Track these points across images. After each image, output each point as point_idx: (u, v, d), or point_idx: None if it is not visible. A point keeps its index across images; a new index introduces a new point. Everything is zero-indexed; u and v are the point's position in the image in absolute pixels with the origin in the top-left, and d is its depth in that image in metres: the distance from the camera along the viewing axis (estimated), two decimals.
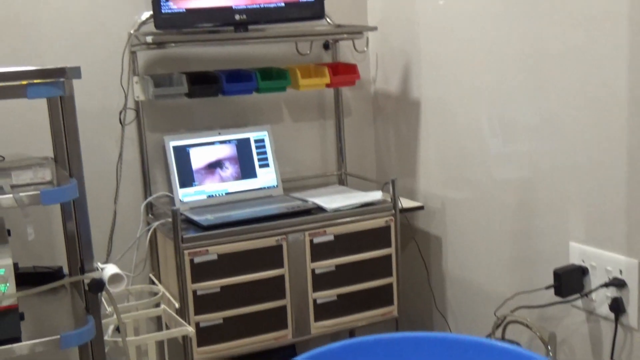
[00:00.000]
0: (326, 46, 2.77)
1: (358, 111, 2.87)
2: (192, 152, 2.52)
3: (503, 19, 2.18)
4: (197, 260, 2.24)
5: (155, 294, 2.46)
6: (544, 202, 2.12)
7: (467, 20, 2.34)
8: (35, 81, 1.52)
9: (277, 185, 2.63)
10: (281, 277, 2.35)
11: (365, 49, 2.82)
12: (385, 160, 2.87)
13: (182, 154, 2.50)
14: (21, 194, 1.53)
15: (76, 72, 1.55)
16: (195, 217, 2.34)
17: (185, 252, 2.21)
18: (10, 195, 1.52)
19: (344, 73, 2.60)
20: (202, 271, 2.24)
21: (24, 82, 1.51)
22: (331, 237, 2.40)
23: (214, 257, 2.26)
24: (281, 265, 2.34)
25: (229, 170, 2.57)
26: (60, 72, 1.54)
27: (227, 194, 2.56)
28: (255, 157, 2.62)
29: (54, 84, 1.55)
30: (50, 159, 1.98)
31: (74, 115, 1.64)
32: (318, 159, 2.82)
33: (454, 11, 2.41)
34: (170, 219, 2.24)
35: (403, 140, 2.75)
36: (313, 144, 2.81)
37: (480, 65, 2.32)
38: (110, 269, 1.72)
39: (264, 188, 2.61)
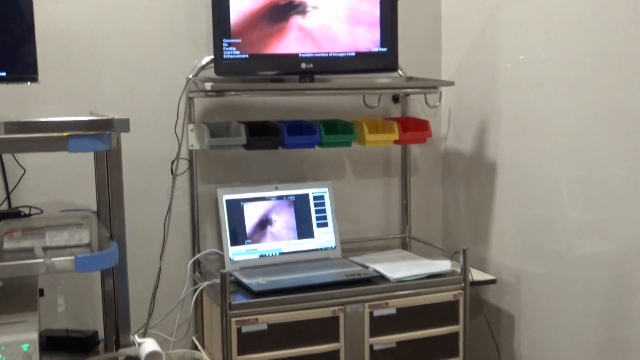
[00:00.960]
0: (396, 99, 2.56)
1: (426, 170, 2.65)
2: (246, 207, 2.32)
3: (590, 74, 1.94)
4: (245, 329, 2.02)
5: None
6: (638, 279, 1.85)
7: (550, 77, 2.11)
8: (78, 133, 1.35)
9: (335, 247, 2.41)
10: (336, 353, 2.11)
11: (438, 103, 2.60)
12: (454, 225, 2.63)
13: (235, 208, 2.31)
14: (53, 260, 1.34)
15: (124, 124, 1.37)
16: (246, 280, 2.13)
17: (233, 319, 2.00)
18: (42, 261, 1.34)
19: (414, 130, 2.39)
20: (249, 341, 2.02)
21: (66, 134, 1.34)
22: (393, 310, 2.16)
23: (264, 326, 2.04)
24: (336, 339, 2.10)
25: (285, 228, 2.36)
26: (106, 125, 1.36)
27: (281, 254, 2.35)
28: (314, 215, 2.40)
29: (99, 137, 1.37)
30: (92, 213, 1.80)
31: (119, 172, 1.46)
32: (381, 220, 2.60)
33: (536, 67, 2.18)
34: (218, 281, 2.03)
35: (475, 204, 2.50)
36: (376, 203, 2.59)
37: (564, 125, 2.08)
38: (148, 345, 1.52)
39: (321, 249, 2.39)
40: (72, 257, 1.36)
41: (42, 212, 1.87)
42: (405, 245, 2.60)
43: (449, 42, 2.58)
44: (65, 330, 1.84)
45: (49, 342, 1.79)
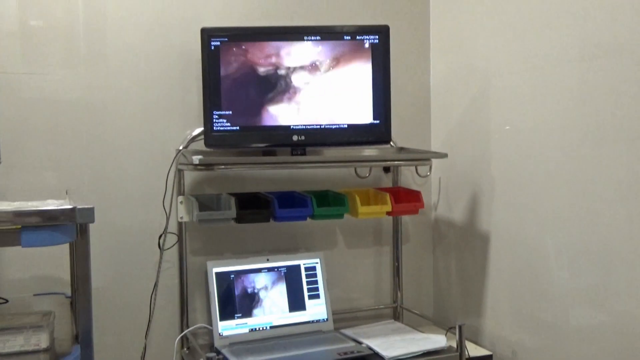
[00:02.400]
0: (387, 169, 2.22)
1: (416, 238, 2.29)
2: (237, 279, 1.95)
3: (580, 144, 1.62)
4: None
5: None
6: (636, 350, 1.49)
7: (540, 147, 1.78)
8: (33, 224, 1.00)
9: (327, 319, 2.03)
10: None
11: (429, 173, 2.26)
12: (445, 294, 2.27)
13: (225, 281, 1.94)
14: None
15: (88, 214, 1.02)
16: None
17: None
18: None
19: (406, 201, 2.04)
20: None
21: (16, 227, 0.99)
22: None
23: None
24: None
25: (276, 300, 1.99)
26: (67, 215, 1.01)
27: (271, 327, 1.97)
28: (305, 287, 2.03)
29: (59, 229, 1.01)
30: (66, 299, 1.42)
31: (86, 265, 1.10)
32: (372, 289, 2.23)
33: (525, 137, 1.86)
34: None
35: (467, 273, 2.15)
36: (367, 272, 2.22)
37: (557, 194, 1.74)
38: None
39: (313, 322, 2.02)
40: None
41: (6, 301, 1.50)
42: (397, 315, 2.23)
43: (438, 113, 2.25)
44: None
45: None
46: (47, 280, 1.78)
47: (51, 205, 1.14)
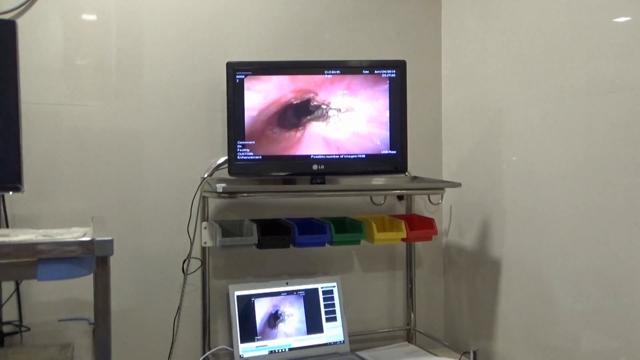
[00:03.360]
0: (400, 197, 2.07)
1: (427, 264, 2.13)
2: (257, 302, 1.79)
3: (588, 174, 1.46)
4: None
5: None
6: None
7: (550, 176, 1.62)
8: (50, 257, 0.85)
9: (344, 341, 1.86)
10: None
11: (440, 201, 2.10)
12: (456, 318, 2.09)
13: (246, 304, 1.78)
14: None
15: (106, 247, 0.87)
16: None
17: None
18: None
19: (420, 228, 1.88)
20: None
21: (33, 260, 0.85)
22: None
23: None
24: None
25: (295, 323, 1.82)
26: (85, 247, 0.86)
27: (290, 349, 1.80)
28: (323, 310, 1.87)
29: (77, 262, 0.87)
30: (90, 325, 1.27)
31: (106, 300, 0.94)
32: (385, 311, 2.06)
33: (535, 167, 1.70)
34: None
35: (478, 298, 1.97)
36: (381, 295, 2.06)
37: (570, 223, 1.58)
38: None
39: (330, 344, 1.85)
40: None
41: (28, 329, 1.34)
42: (410, 337, 2.06)
43: (449, 144, 2.10)
44: None
45: None
46: (73, 303, 1.63)
47: (74, 232, 1.00)
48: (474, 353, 1.65)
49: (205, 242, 1.78)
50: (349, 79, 1.73)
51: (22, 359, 0.94)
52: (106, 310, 0.94)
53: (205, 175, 1.80)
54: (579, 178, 1.56)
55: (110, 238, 0.87)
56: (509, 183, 1.81)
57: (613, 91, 1.46)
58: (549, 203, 1.66)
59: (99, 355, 0.94)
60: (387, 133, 1.73)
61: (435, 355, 1.82)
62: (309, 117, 1.71)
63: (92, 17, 1.69)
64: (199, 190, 1.77)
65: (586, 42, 1.54)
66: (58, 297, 1.61)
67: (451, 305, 2.10)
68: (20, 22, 1.62)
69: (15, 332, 1.22)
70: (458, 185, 1.75)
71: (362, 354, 1.83)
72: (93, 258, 0.87)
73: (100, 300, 0.93)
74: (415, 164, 2.07)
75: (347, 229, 1.86)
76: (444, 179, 2.10)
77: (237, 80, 1.69)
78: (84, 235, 0.98)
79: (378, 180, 1.92)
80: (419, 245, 2.09)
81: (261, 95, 1.70)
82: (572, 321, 1.58)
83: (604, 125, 1.49)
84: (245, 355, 1.73)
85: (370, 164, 1.72)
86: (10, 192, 1.05)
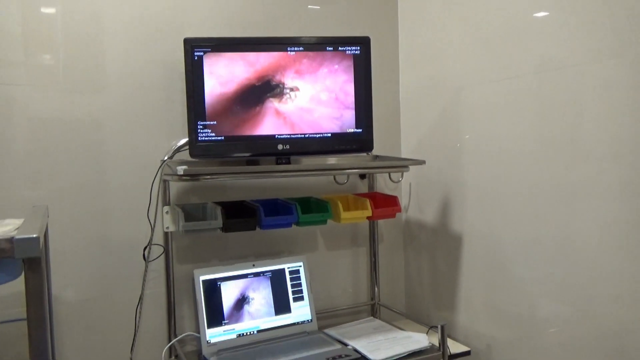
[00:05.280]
0: (362, 176, 1.84)
1: (388, 240, 1.92)
2: (223, 286, 1.54)
3: (543, 149, 1.28)
4: None
5: None
6: (592, 339, 1.15)
7: (508, 150, 1.44)
8: None
9: (311, 320, 1.64)
10: None
11: (401, 179, 1.89)
12: (417, 291, 1.89)
13: (212, 288, 1.52)
14: None
15: (31, 246, 0.60)
16: None
17: None
18: None
19: (384, 206, 1.66)
20: None
21: None
22: None
23: None
24: None
25: (262, 305, 1.58)
26: (4, 245, 0.59)
27: (259, 331, 1.56)
28: (290, 290, 1.64)
29: None
30: None
31: (40, 312, 0.67)
32: (350, 288, 1.85)
33: (493, 143, 1.52)
34: None
35: (438, 271, 1.78)
36: (345, 273, 1.84)
37: (527, 195, 1.41)
38: None
39: (298, 323, 1.62)
40: None
41: None
42: (374, 312, 1.85)
43: (407, 122, 1.89)
44: None
45: None
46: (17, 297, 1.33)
47: (6, 226, 0.72)
48: (442, 327, 1.46)
49: (167, 227, 1.50)
50: (312, 55, 1.47)
51: None
52: (41, 319, 0.67)
53: (165, 158, 1.52)
54: (533, 153, 1.38)
55: (35, 235, 0.59)
56: (467, 160, 1.61)
57: (560, 68, 1.28)
58: (506, 178, 1.47)
59: None
60: (352, 111, 1.49)
61: (402, 329, 1.62)
62: (271, 96, 1.45)
63: None
64: (158, 173, 1.49)
65: (536, 22, 1.34)
66: (2, 291, 1.31)
67: (412, 279, 1.91)
68: None
69: None
70: (422, 162, 1.54)
71: (329, 331, 1.61)
72: (17, 261, 0.61)
73: (33, 309, 0.66)
74: (375, 143, 1.85)
75: (313, 209, 1.62)
76: (404, 157, 1.89)
77: (196, 58, 1.41)
78: (16, 229, 0.70)
79: (340, 160, 1.69)
80: (380, 222, 1.88)
81: (222, 73, 1.42)
82: (529, 290, 1.42)
83: (553, 100, 1.31)
84: (213, 340, 1.48)
85: (335, 143, 1.48)
86: None
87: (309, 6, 1.71)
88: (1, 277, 0.58)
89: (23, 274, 0.65)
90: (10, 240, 0.58)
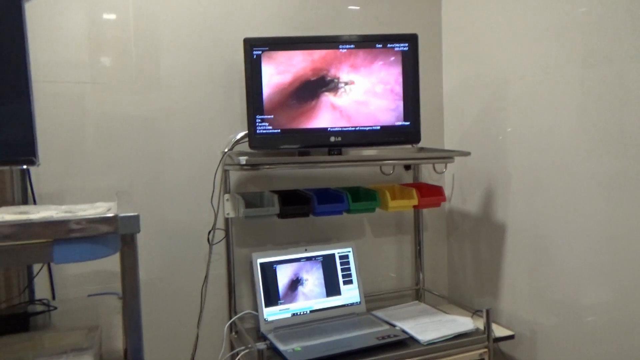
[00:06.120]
0: (407, 167, 1.84)
1: (432, 228, 1.91)
2: (279, 269, 1.58)
3: (589, 141, 1.24)
4: None
5: None
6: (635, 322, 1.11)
7: (551, 141, 1.41)
8: (68, 237, 0.62)
9: (360, 302, 1.66)
10: None
11: (444, 170, 1.88)
12: (460, 278, 1.88)
13: (268, 270, 1.56)
14: None
15: (132, 223, 0.64)
16: (282, 347, 1.37)
17: None
18: None
19: (429, 195, 1.66)
20: None
21: (48, 240, 0.62)
22: None
23: None
24: None
25: (314, 287, 1.61)
26: (108, 224, 0.63)
27: (311, 311, 1.59)
28: (340, 274, 1.66)
29: (99, 241, 0.64)
30: (98, 332, 1.04)
31: (134, 280, 0.71)
32: (394, 273, 1.85)
33: (536, 134, 1.49)
34: (254, 347, 1.28)
35: (481, 259, 1.77)
36: (391, 259, 1.84)
37: (571, 186, 1.37)
38: None
39: (347, 305, 1.64)
40: None
41: (55, 308, 1.11)
42: (419, 296, 1.85)
43: (450, 116, 1.87)
44: None
45: None
46: (104, 275, 1.40)
47: (98, 208, 0.77)
48: (487, 311, 1.45)
49: (228, 214, 1.55)
50: (362, 52, 1.48)
51: (46, 344, 0.72)
52: (135, 289, 0.71)
53: (226, 150, 1.56)
54: (577, 145, 1.34)
55: (136, 214, 0.64)
56: (511, 152, 1.59)
57: (604, 62, 1.24)
58: (551, 169, 1.44)
59: (130, 342, 0.72)
60: (401, 105, 1.49)
61: (447, 313, 1.62)
62: (324, 91, 1.47)
63: (110, 0, 1.43)
64: (220, 164, 1.53)
65: (581, 15, 1.30)
66: (89, 269, 1.38)
67: (455, 266, 1.89)
68: (46, 8, 1.35)
69: (43, 312, 1.00)
70: (467, 153, 1.52)
71: (377, 313, 1.62)
72: (117, 236, 0.65)
73: (128, 281, 0.71)
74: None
75: (361, 197, 1.63)
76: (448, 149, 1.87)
77: (255, 56, 1.44)
78: (108, 210, 0.74)
79: (386, 152, 1.69)
80: (425, 211, 1.88)
81: (278, 70, 1.45)
82: (574, 277, 1.39)
83: (598, 93, 1.27)
84: (270, 318, 1.52)
85: (384, 135, 1.49)
86: (25, 166, 0.82)
87: (349, 7, 1.71)
88: (103, 250, 0.62)
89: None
90: (115, 218, 0.62)
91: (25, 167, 0.84)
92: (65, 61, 1.38)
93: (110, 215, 0.62)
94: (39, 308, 1.02)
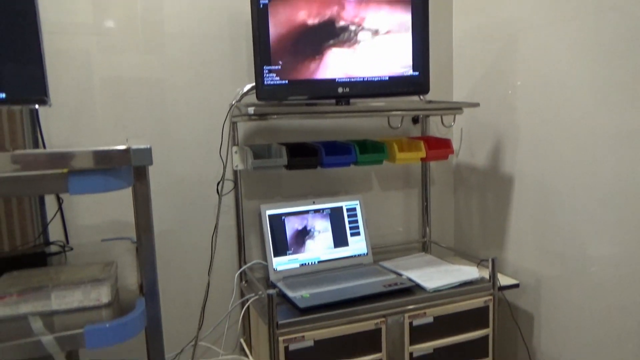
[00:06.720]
0: (415, 120, 1.83)
1: (439, 182, 1.92)
2: (287, 220, 1.60)
3: (600, 91, 1.23)
4: (292, 347, 1.30)
5: None
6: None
7: (561, 93, 1.39)
8: (82, 168, 0.64)
9: (367, 253, 1.68)
10: None
11: (453, 123, 1.87)
12: (466, 231, 1.90)
13: (277, 222, 1.58)
14: (56, 336, 0.62)
15: (144, 155, 0.65)
16: (290, 294, 1.40)
17: (280, 338, 1.28)
18: (38, 339, 0.62)
19: (436, 147, 1.66)
20: (297, 358, 1.31)
21: (65, 171, 0.63)
22: (430, 319, 1.44)
23: (310, 343, 1.32)
24: (379, 350, 1.38)
25: (322, 238, 1.64)
26: (120, 157, 0.64)
27: (319, 262, 1.62)
28: (347, 226, 1.68)
29: (112, 173, 0.65)
30: (133, 244, 1.06)
31: (147, 212, 0.73)
32: (401, 227, 1.87)
33: (547, 86, 1.46)
34: (263, 294, 1.32)
35: (488, 212, 1.78)
36: (398, 212, 1.86)
37: (579, 140, 1.37)
38: None
39: (355, 256, 1.67)
40: (82, 331, 0.64)
41: (71, 249, 1.14)
42: (425, 248, 1.88)
43: (460, 68, 1.84)
44: None
45: None
46: (117, 225, 1.43)
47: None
48: (493, 260, 1.47)
49: (236, 166, 1.56)
50: (371, 1, 1.45)
51: (63, 277, 0.74)
52: (148, 225, 0.73)
53: (234, 102, 1.56)
54: (589, 97, 1.32)
55: (148, 146, 0.65)
56: (521, 104, 1.57)
57: (619, 7, 1.21)
58: (560, 122, 1.43)
59: (145, 273, 0.74)
60: (410, 55, 1.47)
61: (452, 263, 1.64)
62: (332, 41, 1.45)
63: None
64: (228, 115, 1.53)
65: None
66: (102, 219, 1.41)
67: (461, 220, 1.91)
68: None
69: (59, 252, 1.03)
70: (477, 105, 1.51)
71: (384, 263, 1.65)
72: (130, 168, 0.66)
73: (141, 215, 0.72)
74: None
75: (369, 150, 1.63)
76: None
77: (261, 6, 1.42)
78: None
79: (394, 103, 1.68)
80: (432, 164, 1.88)
81: (285, 19, 1.43)
82: (580, 230, 1.40)
83: (612, 44, 1.24)
84: (279, 268, 1.55)
85: (393, 86, 1.47)
86: (37, 105, 0.82)
87: None
88: (117, 183, 0.63)
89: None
90: (127, 150, 0.63)
91: (37, 106, 0.85)
92: (70, 21, 1.37)
93: (123, 147, 0.63)
94: (55, 249, 1.05)
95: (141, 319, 0.70)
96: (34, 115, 1.13)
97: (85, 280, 0.71)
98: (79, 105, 1.39)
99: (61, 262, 0.92)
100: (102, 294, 0.72)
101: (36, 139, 1.14)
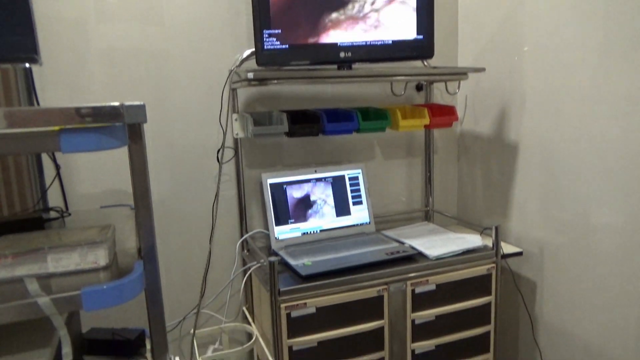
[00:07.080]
0: (419, 88, 1.79)
1: (443, 151, 1.89)
2: (289, 189, 1.58)
3: (605, 58, 1.18)
4: (294, 314, 1.30)
5: (249, 333, 1.54)
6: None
7: (568, 60, 1.35)
8: (74, 126, 0.61)
9: (369, 222, 1.67)
10: (380, 329, 1.39)
11: (457, 90, 1.83)
12: (470, 200, 1.88)
13: (278, 191, 1.57)
14: (52, 297, 0.61)
15: (138, 112, 0.62)
16: (292, 262, 1.40)
17: (282, 305, 1.28)
18: (33, 301, 0.61)
19: (441, 115, 1.62)
20: (299, 326, 1.31)
21: (57, 128, 0.60)
22: (433, 287, 1.43)
23: (312, 310, 1.32)
24: (381, 317, 1.38)
25: (324, 207, 1.62)
26: (113, 114, 0.62)
27: (321, 231, 1.61)
28: (349, 195, 1.66)
29: (106, 131, 0.63)
30: (132, 210, 1.05)
31: (144, 174, 0.71)
32: (404, 196, 1.85)
33: (553, 53, 1.42)
34: (265, 262, 1.32)
35: (493, 181, 1.75)
36: (401, 181, 1.84)
37: (584, 106, 1.33)
38: None
39: (357, 225, 1.66)
40: (78, 293, 0.63)
41: (69, 214, 1.13)
42: (428, 218, 1.86)
43: (465, 34, 1.79)
44: (111, 332, 1.12)
45: (93, 345, 1.08)
46: (116, 194, 1.41)
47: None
48: (496, 228, 1.45)
49: (237, 134, 1.53)
50: None
51: (60, 239, 0.73)
52: (144, 187, 0.71)
53: (233, 68, 1.52)
54: (596, 63, 1.28)
55: (142, 103, 0.62)
56: (527, 70, 1.53)
57: None
58: (567, 88, 1.39)
59: (143, 235, 0.73)
60: (414, 18, 1.43)
61: (455, 232, 1.63)
62: (335, 4, 1.40)
63: None
64: (227, 81, 1.50)
65: None
66: (101, 188, 1.39)
67: (465, 189, 1.89)
68: None
69: (57, 218, 1.02)
70: (482, 69, 1.47)
71: (387, 232, 1.64)
72: (124, 127, 0.63)
73: (137, 176, 0.70)
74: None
75: (372, 117, 1.60)
76: None
77: None
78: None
79: (397, 69, 1.64)
80: (435, 133, 1.85)
81: None
82: (584, 199, 1.38)
83: (620, 6, 1.19)
84: (281, 237, 1.54)
85: (397, 50, 1.43)
86: (27, 64, 0.80)
87: None
88: (110, 142, 0.61)
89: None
90: (121, 106, 0.61)
91: (28, 65, 0.82)
92: None
93: (116, 104, 0.61)
94: (53, 215, 1.04)
95: (139, 281, 0.69)
96: (28, 76, 1.10)
97: (82, 242, 0.70)
98: (75, 71, 1.35)
99: (60, 227, 0.91)
100: (100, 257, 0.70)
101: (32, 101, 1.12)
